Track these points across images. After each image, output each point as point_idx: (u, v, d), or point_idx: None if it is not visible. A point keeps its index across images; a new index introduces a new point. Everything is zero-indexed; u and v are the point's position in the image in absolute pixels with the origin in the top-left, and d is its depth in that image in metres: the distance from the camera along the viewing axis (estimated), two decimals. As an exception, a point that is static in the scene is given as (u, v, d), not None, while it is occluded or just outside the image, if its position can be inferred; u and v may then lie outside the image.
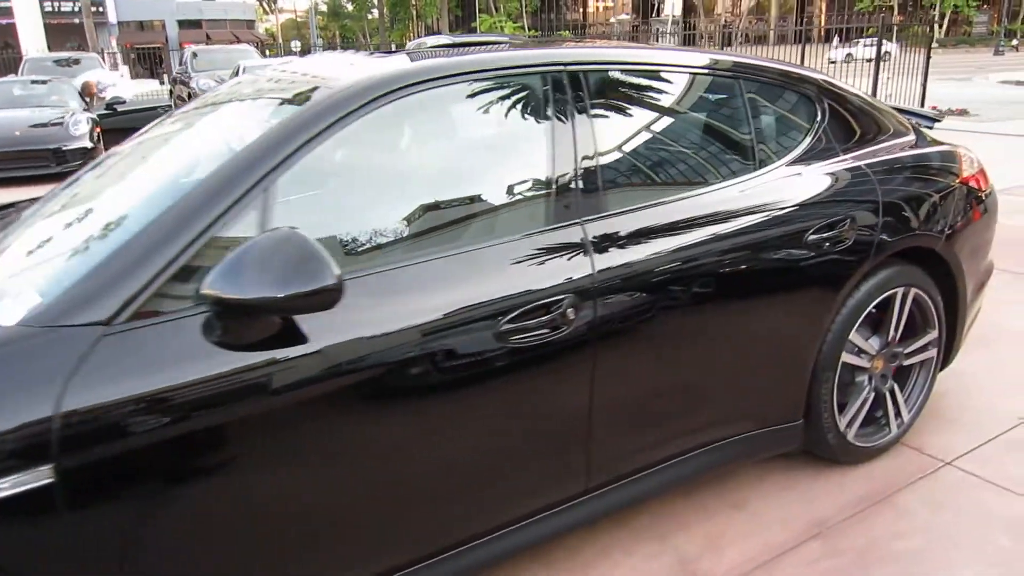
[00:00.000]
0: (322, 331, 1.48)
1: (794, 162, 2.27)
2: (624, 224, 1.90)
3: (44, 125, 9.07)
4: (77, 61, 14.81)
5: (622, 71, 2.08)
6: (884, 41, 12.27)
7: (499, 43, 2.21)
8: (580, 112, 1.91)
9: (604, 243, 1.85)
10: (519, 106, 1.93)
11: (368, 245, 1.69)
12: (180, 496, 1.40)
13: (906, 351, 2.55)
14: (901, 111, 2.97)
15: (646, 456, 2.07)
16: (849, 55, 13.54)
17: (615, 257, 1.85)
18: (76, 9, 22.85)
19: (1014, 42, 40.83)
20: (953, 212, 2.53)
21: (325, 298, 1.39)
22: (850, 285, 2.27)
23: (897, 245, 2.36)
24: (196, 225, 1.46)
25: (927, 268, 2.50)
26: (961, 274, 2.57)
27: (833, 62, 12.98)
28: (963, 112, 12.74)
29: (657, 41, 20.14)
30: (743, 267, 2.06)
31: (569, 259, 1.80)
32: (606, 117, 2.01)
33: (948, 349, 2.70)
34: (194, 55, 15.99)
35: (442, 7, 39.72)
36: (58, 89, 10.32)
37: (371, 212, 1.72)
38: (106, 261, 1.42)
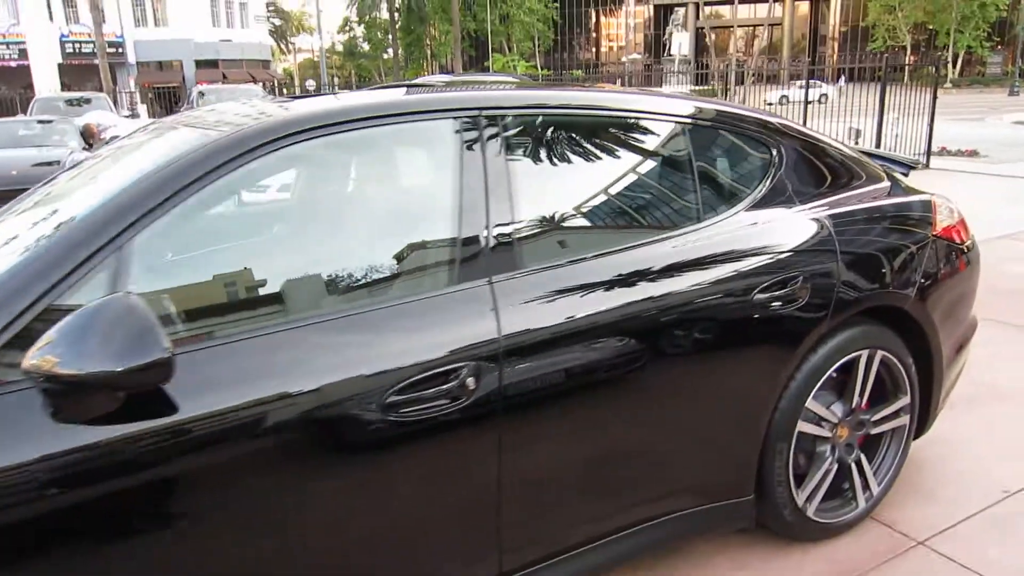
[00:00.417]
0: (167, 406, 1.32)
1: (742, 213, 2.10)
2: (540, 283, 1.74)
3: (43, 164, 9.12)
4: (88, 101, 14.99)
5: (547, 116, 1.93)
6: (820, 83, 12.20)
7: (496, 82, 2.08)
8: (496, 160, 1.76)
9: (514, 304, 1.68)
10: (427, 153, 1.80)
11: (240, 309, 1.54)
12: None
13: (874, 419, 2.34)
14: (875, 157, 2.81)
15: (570, 536, 1.87)
16: (784, 96, 13.50)
17: (526, 319, 1.68)
18: (95, 50, 23.39)
19: (1029, 83, 40.70)
20: (925, 267, 2.33)
21: (156, 373, 1.23)
22: (804, 348, 2.07)
23: (859, 304, 2.17)
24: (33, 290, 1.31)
25: (897, 328, 2.31)
26: (935, 334, 2.36)
27: (770, 104, 12.94)
28: (973, 153, 12.53)
29: (665, 81, 20.21)
30: (677, 330, 1.87)
31: (472, 322, 1.63)
32: (526, 166, 1.86)
33: (923, 416, 2.48)
34: (201, 94, 16.24)
35: (455, 47, 40.34)
36: (59, 129, 10.41)
37: (244, 272, 1.57)
38: None
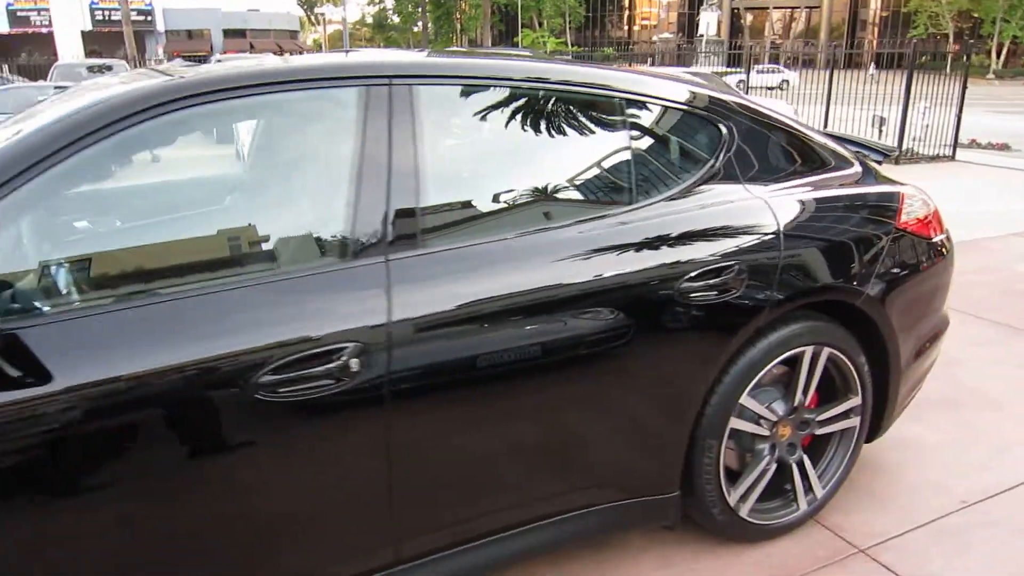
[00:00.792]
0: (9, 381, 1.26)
1: (678, 196, 1.98)
2: (442, 264, 1.64)
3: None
4: (109, 68, 15.09)
5: (464, 85, 1.82)
6: (783, 68, 11.78)
7: (510, 55, 2.01)
8: (403, 133, 1.66)
9: (411, 285, 1.59)
10: (331, 122, 1.70)
11: (113, 281, 1.47)
12: None
13: (819, 419, 2.22)
14: (850, 143, 2.66)
15: (475, 526, 1.79)
16: (741, 81, 13.06)
17: (422, 302, 1.59)
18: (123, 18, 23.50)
19: (1076, 75, 39.21)
20: (884, 262, 2.19)
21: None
22: (738, 342, 1.96)
23: (803, 297, 2.04)
24: None
25: (850, 325, 2.18)
26: (892, 333, 2.23)
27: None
28: (1004, 147, 12.09)
29: (695, 62, 19.75)
30: (592, 319, 1.77)
31: (361, 302, 1.55)
32: (439, 140, 1.76)
33: (877, 418, 2.35)
34: (219, 63, 16.18)
35: (485, 22, 39.90)
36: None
37: (122, 241, 1.50)
38: None
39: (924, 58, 12.71)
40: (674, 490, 2.02)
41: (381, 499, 1.63)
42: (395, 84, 1.68)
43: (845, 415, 2.26)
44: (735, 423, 2.04)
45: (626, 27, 60.34)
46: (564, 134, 1.95)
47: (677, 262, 1.86)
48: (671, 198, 1.97)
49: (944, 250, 2.42)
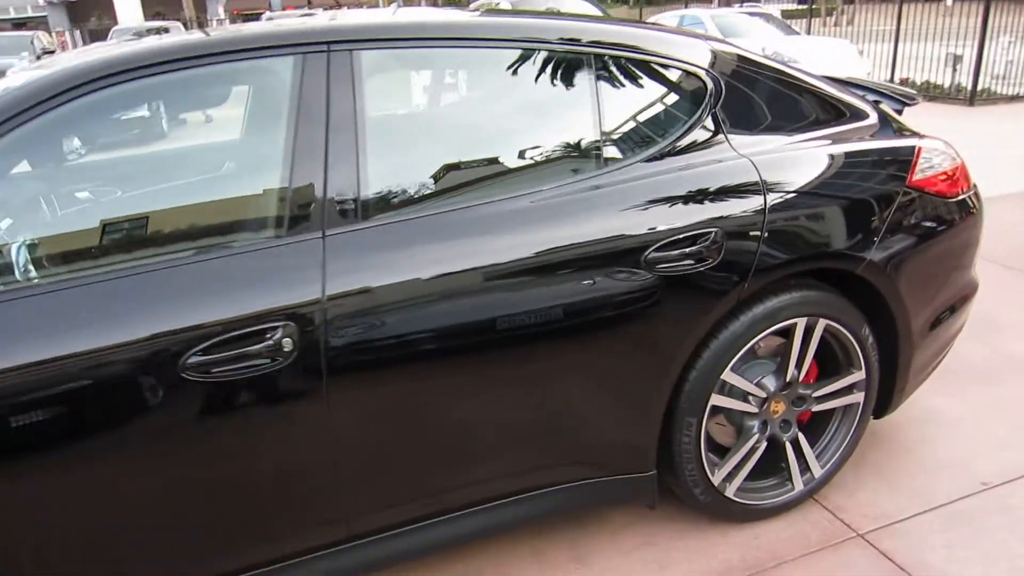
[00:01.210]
0: None
1: (655, 158, 1.83)
2: (384, 239, 1.57)
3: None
4: (166, 30, 15.42)
5: (410, 47, 1.70)
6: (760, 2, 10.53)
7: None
8: (343, 102, 1.58)
9: (348, 262, 1.53)
10: (266, 92, 1.63)
11: (42, 260, 1.45)
12: None
13: (816, 394, 2.07)
14: (870, 91, 2.42)
15: (435, 502, 1.75)
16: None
17: (360, 279, 1.53)
18: (185, -21, 23.91)
19: None
20: (891, 224, 2.00)
21: None
22: (716, 314, 1.82)
23: (791, 266, 1.88)
24: None
25: (851, 294, 2.01)
26: (901, 303, 2.04)
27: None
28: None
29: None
30: (554, 291, 1.66)
31: (293, 279, 1.49)
32: (384, 108, 1.67)
33: (886, 394, 2.18)
34: (269, 19, 16.33)
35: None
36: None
37: (52, 221, 1.49)
38: None
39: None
40: (649, 469, 1.93)
41: (325, 473, 1.60)
42: (333, 51, 1.59)
43: (847, 390, 2.10)
44: (717, 400, 1.92)
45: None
46: (528, 95, 1.81)
47: (647, 229, 1.73)
48: (648, 159, 1.83)
49: (970, 209, 2.19)
